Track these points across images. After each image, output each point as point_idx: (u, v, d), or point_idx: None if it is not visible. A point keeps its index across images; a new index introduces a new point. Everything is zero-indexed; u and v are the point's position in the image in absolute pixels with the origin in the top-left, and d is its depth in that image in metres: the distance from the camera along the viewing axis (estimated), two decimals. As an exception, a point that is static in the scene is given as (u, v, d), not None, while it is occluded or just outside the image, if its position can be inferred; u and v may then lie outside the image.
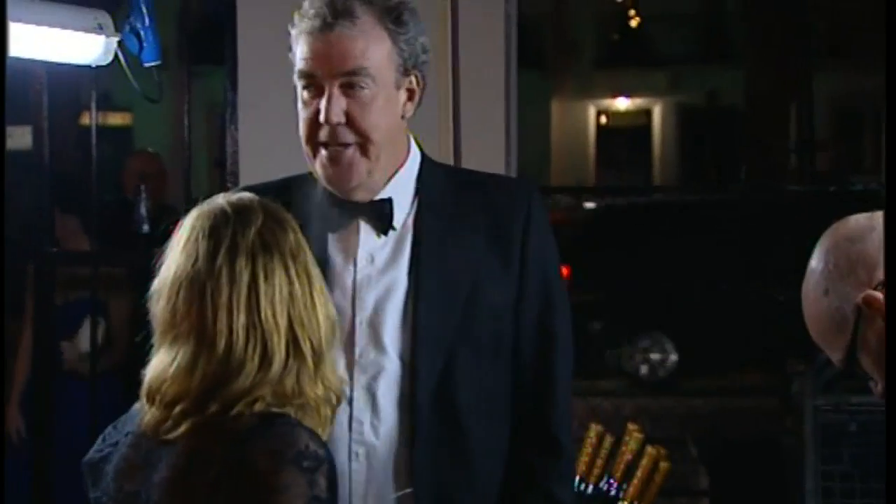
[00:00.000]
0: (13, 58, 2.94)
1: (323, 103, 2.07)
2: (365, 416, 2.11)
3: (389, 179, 2.16)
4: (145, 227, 4.23)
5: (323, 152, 2.10)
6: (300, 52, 2.09)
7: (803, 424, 3.48)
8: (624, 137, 21.59)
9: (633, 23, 20.79)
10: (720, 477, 5.56)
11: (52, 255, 3.75)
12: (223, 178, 3.75)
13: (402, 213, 2.17)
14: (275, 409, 1.70)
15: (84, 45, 3.14)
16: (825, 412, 3.52)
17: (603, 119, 22.14)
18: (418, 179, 2.20)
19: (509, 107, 3.73)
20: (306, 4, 2.10)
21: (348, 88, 2.07)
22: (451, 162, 3.25)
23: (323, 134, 2.09)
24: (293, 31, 2.11)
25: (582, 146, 21.64)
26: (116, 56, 3.22)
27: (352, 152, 2.08)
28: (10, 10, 2.86)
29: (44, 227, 3.75)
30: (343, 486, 2.08)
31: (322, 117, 2.07)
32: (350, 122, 2.07)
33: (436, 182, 2.21)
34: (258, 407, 1.70)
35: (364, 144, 2.09)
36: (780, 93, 13.96)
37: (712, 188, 17.11)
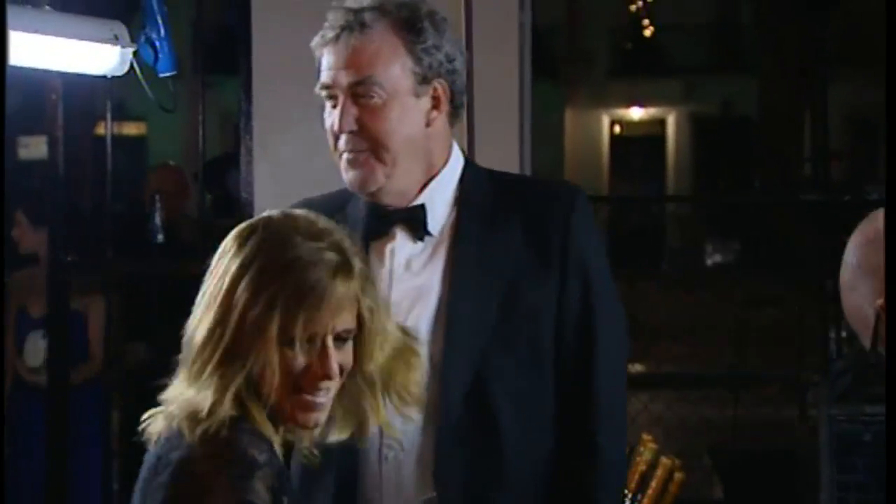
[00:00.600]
0: (29, 68, 2.96)
1: (336, 113, 2.11)
2: (396, 419, 2.07)
3: (425, 186, 2.17)
4: (160, 237, 4.24)
5: (344, 157, 2.13)
6: (322, 64, 2.14)
7: (818, 434, 3.47)
8: (638, 147, 21.59)
9: (647, 32, 20.79)
10: (734, 487, 5.54)
11: (66, 263, 3.76)
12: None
13: (440, 218, 2.17)
14: (231, 413, 1.68)
15: (100, 56, 3.16)
16: (840, 422, 3.50)
17: (617, 128, 22.14)
18: (460, 185, 2.20)
19: (523, 116, 3.73)
20: (328, 18, 2.14)
21: (359, 97, 2.10)
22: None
23: (341, 143, 2.12)
24: (315, 47, 2.15)
25: (596, 155, 21.63)
26: (132, 66, 3.24)
27: (366, 157, 2.11)
28: (27, 21, 2.88)
29: (57, 236, 3.76)
30: (374, 489, 2.10)
31: (336, 126, 2.11)
32: (362, 129, 2.10)
33: (478, 187, 2.21)
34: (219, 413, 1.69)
35: (377, 151, 2.11)
36: (795, 102, 13.95)
37: (726, 197, 17.10)
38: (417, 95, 2.13)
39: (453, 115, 2.20)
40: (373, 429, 2.04)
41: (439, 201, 2.18)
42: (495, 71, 3.53)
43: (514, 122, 3.67)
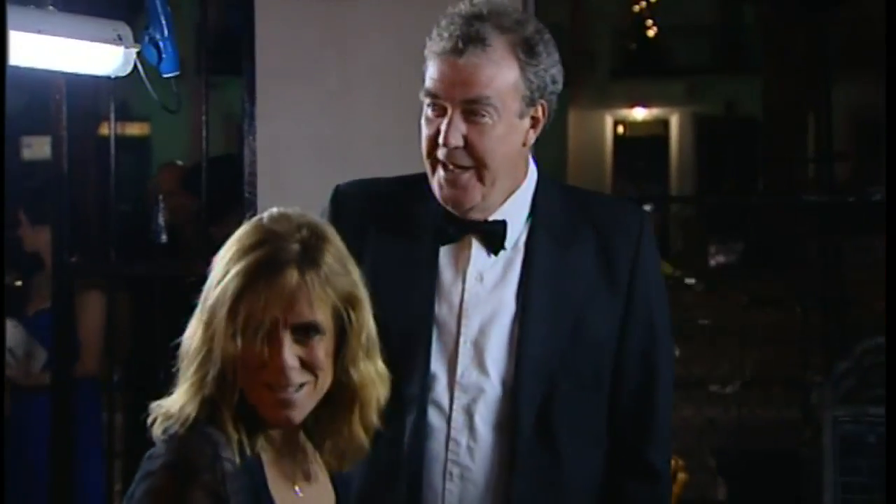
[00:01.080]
0: (33, 69, 2.96)
1: (444, 125, 2.06)
2: (462, 436, 2.10)
3: (507, 199, 2.15)
4: (163, 238, 4.24)
5: (441, 172, 2.10)
6: (429, 71, 2.08)
7: (822, 436, 3.47)
8: (641, 147, 21.59)
9: (651, 33, 20.80)
10: (738, 488, 5.53)
11: (71, 264, 3.76)
12: (240, 187, 3.75)
13: (515, 233, 2.16)
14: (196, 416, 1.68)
15: (103, 56, 3.16)
16: (844, 423, 3.50)
17: (620, 129, 22.14)
18: (533, 199, 2.19)
19: (526, 117, 3.72)
20: (443, 23, 2.09)
21: (470, 115, 2.06)
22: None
23: (441, 154, 2.08)
24: (427, 50, 2.10)
25: (599, 156, 21.64)
26: (135, 67, 3.24)
27: (468, 176, 2.08)
28: (31, 21, 2.88)
29: (62, 237, 3.76)
30: None
31: (441, 139, 2.07)
32: (468, 146, 2.07)
33: (550, 203, 2.19)
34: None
35: (480, 170, 2.08)
36: (798, 103, 13.95)
37: (729, 198, 17.08)
38: (521, 116, 2.11)
39: (539, 135, 2.19)
40: (439, 442, 2.09)
41: (517, 216, 2.16)
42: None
43: (518, 123, 3.67)
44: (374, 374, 1.78)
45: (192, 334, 1.71)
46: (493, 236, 2.14)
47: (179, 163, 6.08)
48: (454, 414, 2.10)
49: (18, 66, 2.86)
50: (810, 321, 6.02)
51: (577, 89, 20.98)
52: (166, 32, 3.28)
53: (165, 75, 3.30)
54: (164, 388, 1.77)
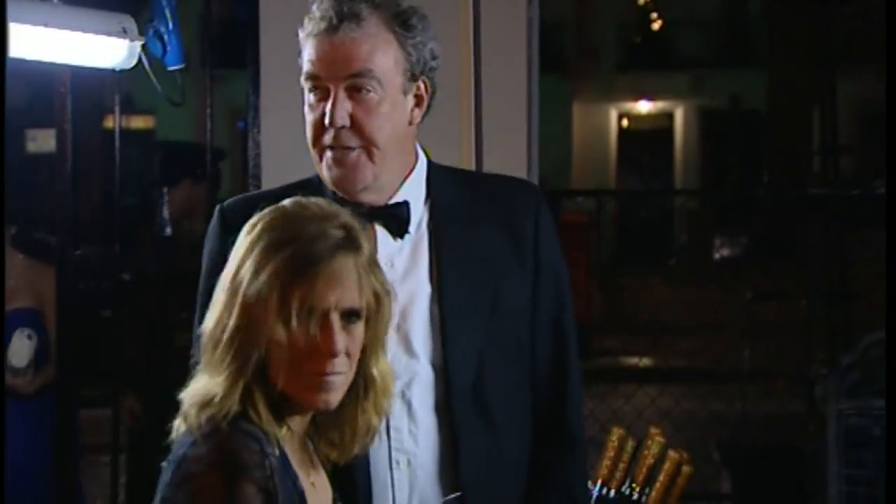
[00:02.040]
0: (38, 61, 2.96)
1: (328, 106, 2.06)
2: (402, 423, 2.10)
3: (402, 183, 2.15)
4: (167, 231, 4.24)
5: (328, 154, 2.08)
6: (306, 54, 2.09)
7: (826, 429, 3.47)
8: (645, 141, 21.57)
9: (655, 26, 20.76)
10: (743, 481, 5.53)
11: (75, 258, 3.76)
12: (245, 180, 3.76)
13: (416, 215, 2.16)
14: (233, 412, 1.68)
15: (108, 49, 3.16)
16: (849, 416, 3.50)
17: (624, 122, 22.11)
18: (428, 182, 2.19)
19: (531, 111, 3.72)
20: (314, 7, 2.09)
21: (354, 92, 2.05)
22: (472, 166, 3.25)
23: (328, 137, 2.07)
24: (301, 34, 2.10)
25: (603, 150, 21.62)
26: (140, 60, 3.24)
27: (356, 155, 2.07)
28: (36, 14, 2.88)
29: (66, 230, 3.76)
30: (386, 496, 2.08)
31: (327, 120, 2.06)
32: (354, 125, 2.06)
33: (445, 185, 2.20)
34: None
35: (369, 148, 2.07)
36: (803, 96, 13.92)
37: (734, 192, 17.07)
38: (405, 92, 2.10)
39: (424, 115, 2.18)
40: (380, 436, 2.03)
41: (414, 199, 2.16)
42: (503, 66, 3.52)
43: (522, 117, 3.67)
44: (388, 366, 1.82)
45: (222, 321, 1.70)
46: (397, 219, 2.13)
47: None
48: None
49: (23, 59, 2.86)
50: (815, 314, 6.01)
51: (582, 83, 20.97)
52: (171, 25, 3.29)
53: (170, 68, 3.30)
54: (174, 383, 1.77)
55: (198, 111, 4.25)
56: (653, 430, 3.01)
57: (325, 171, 2.10)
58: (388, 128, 2.08)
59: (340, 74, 2.04)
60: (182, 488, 1.61)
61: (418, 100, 2.13)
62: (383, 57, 2.05)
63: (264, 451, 1.65)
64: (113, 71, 3.29)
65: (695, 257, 16.68)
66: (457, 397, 2.10)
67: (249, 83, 3.60)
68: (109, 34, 3.13)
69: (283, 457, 1.70)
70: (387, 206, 2.13)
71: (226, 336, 1.69)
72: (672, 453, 2.94)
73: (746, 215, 15.82)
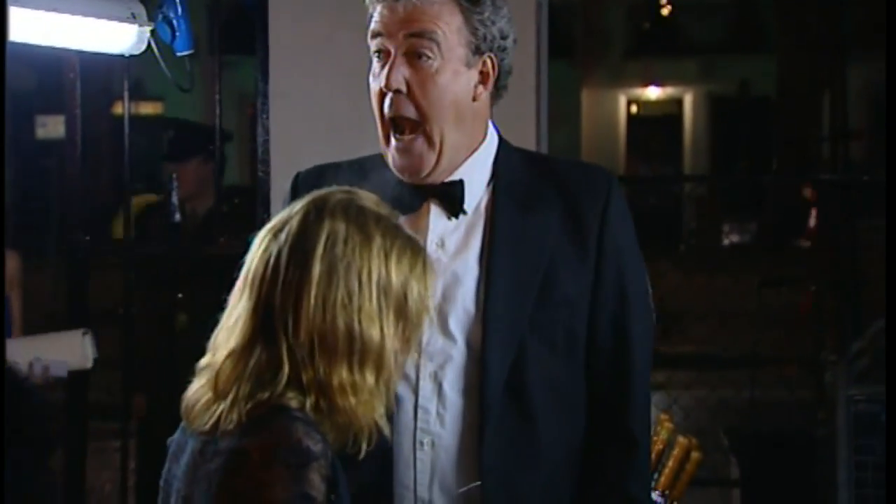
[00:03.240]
0: (47, 47, 2.97)
1: (385, 70, 2.05)
2: (431, 404, 2.07)
3: (464, 161, 2.13)
4: (177, 217, 4.24)
5: (394, 143, 2.08)
6: (373, 17, 2.08)
7: (836, 415, 3.47)
8: (654, 127, 21.54)
9: (665, 11, 20.72)
10: (751, 468, 5.53)
11: (84, 244, 3.77)
12: (254, 165, 3.76)
13: (476, 196, 2.13)
14: (285, 402, 1.66)
15: (117, 35, 3.16)
16: (858, 403, 3.50)
17: (633, 108, 22.08)
18: (495, 163, 2.16)
19: (540, 96, 3.72)
20: None
21: (413, 57, 2.04)
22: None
23: (386, 105, 2.06)
24: (367, 2, 2.09)
25: (612, 135, 21.59)
26: (149, 45, 3.24)
27: (420, 143, 2.06)
28: (44, -1, 2.88)
29: (75, 217, 3.77)
30: (408, 476, 2.07)
31: (382, 82, 2.05)
32: (410, 91, 2.05)
33: (512, 166, 2.16)
34: (274, 400, 1.67)
35: (425, 127, 2.06)
36: (813, 81, 13.87)
37: (743, 177, 17.03)
38: (468, 66, 2.07)
39: (496, 95, 2.16)
40: (407, 412, 2.06)
41: (476, 179, 2.13)
42: (512, 52, 3.51)
43: (531, 103, 3.66)
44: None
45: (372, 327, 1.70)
46: (451, 198, 2.11)
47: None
48: (421, 382, 2.07)
49: (32, 45, 2.86)
50: (824, 300, 6.00)
51: (591, 68, 20.93)
52: (180, 10, 3.28)
53: (179, 54, 3.30)
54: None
55: (206, 97, 4.24)
56: (662, 417, 3.01)
57: (390, 159, 2.10)
58: (446, 99, 2.06)
59: (402, 32, 2.03)
60: (243, 476, 1.59)
61: (483, 76, 2.10)
62: (446, 24, 2.04)
63: (325, 440, 1.64)
64: (122, 56, 3.29)
65: (704, 243, 16.67)
66: (489, 383, 2.06)
67: (258, 69, 3.60)
68: (119, 20, 3.13)
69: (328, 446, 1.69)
70: (442, 185, 2.11)
71: (371, 341, 1.71)
72: (681, 439, 2.94)
73: (756, 201, 15.80)
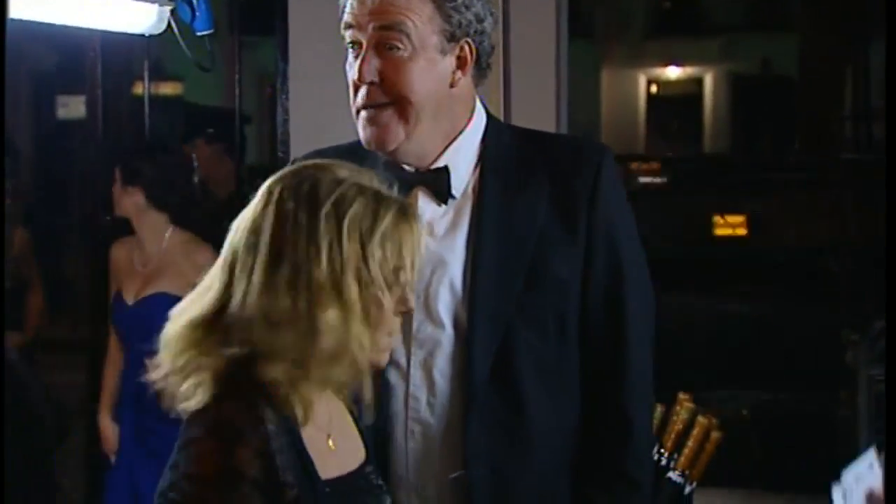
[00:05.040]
0: (68, 27, 2.97)
1: (357, 63, 2.05)
2: (421, 392, 2.07)
3: (448, 146, 2.11)
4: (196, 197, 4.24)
5: (362, 114, 2.07)
6: (346, 8, 2.08)
7: (858, 395, 3.45)
8: (675, 106, 21.42)
9: (685, -10, 20.56)
10: (773, 448, 5.52)
11: (105, 223, 3.78)
12: (274, 146, 3.76)
13: (463, 179, 2.12)
14: (231, 377, 1.68)
15: (137, 15, 3.16)
16: (880, 382, 3.48)
17: (653, 88, 21.96)
18: (483, 143, 2.14)
19: (559, 76, 3.71)
20: None
21: (383, 49, 2.03)
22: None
23: (360, 96, 2.06)
24: None
25: (632, 115, 21.49)
26: (169, 25, 3.24)
27: (389, 114, 2.05)
28: (65, -21, 2.88)
29: (97, 196, 3.78)
30: (401, 464, 2.07)
31: (355, 75, 2.05)
32: (384, 81, 2.04)
33: (500, 145, 2.14)
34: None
35: (401, 105, 2.05)
36: (836, 61, 13.77)
37: (765, 157, 16.93)
38: (443, 53, 2.06)
39: (479, 77, 2.15)
40: (398, 400, 2.06)
41: (462, 162, 2.12)
42: (532, 31, 3.50)
43: (551, 83, 3.65)
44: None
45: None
46: (438, 184, 2.10)
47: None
48: (412, 370, 2.06)
49: (53, 24, 2.86)
50: (846, 280, 5.98)
51: (610, 48, 20.82)
52: (199, -10, 3.28)
53: (199, 33, 3.30)
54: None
55: (226, 77, 4.25)
56: (681, 396, 3.00)
57: (360, 132, 2.09)
58: (421, 87, 2.04)
59: (370, 26, 2.02)
60: (183, 452, 1.64)
61: (461, 62, 2.09)
62: (415, 14, 2.02)
63: (259, 417, 1.65)
64: (142, 36, 3.29)
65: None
66: (475, 365, 2.04)
67: (278, 49, 3.59)
68: (139, -1, 3.13)
69: (287, 421, 1.69)
70: (428, 171, 2.10)
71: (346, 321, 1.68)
72: (701, 419, 2.93)
73: (778, 181, 15.71)
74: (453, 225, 2.11)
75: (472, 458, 2.05)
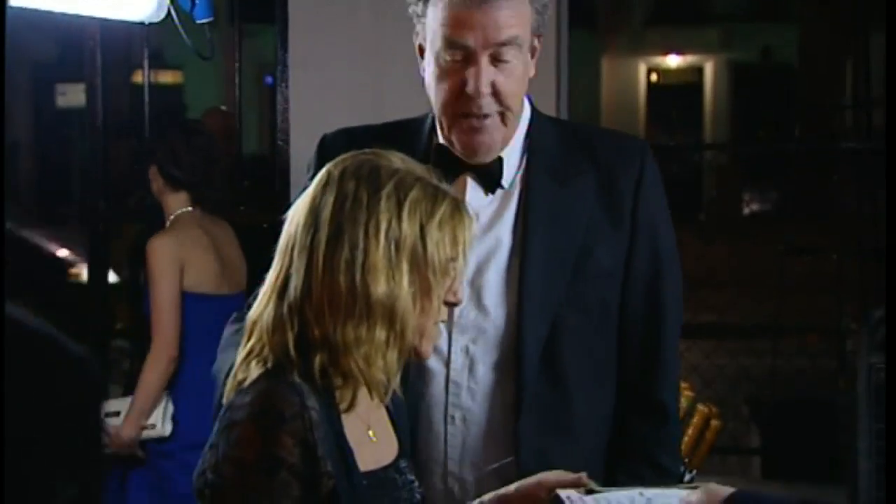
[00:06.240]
0: (68, 15, 2.96)
1: (472, 73, 2.01)
2: (462, 378, 2.07)
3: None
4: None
5: (464, 122, 2.04)
6: (444, 18, 2.00)
7: (857, 383, 3.45)
8: (675, 95, 21.41)
9: (685, -21, 20.53)
10: (772, 436, 5.53)
11: (104, 211, 3.78)
12: (273, 135, 3.76)
13: (511, 170, 2.12)
14: (279, 364, 1.68)
15: (137, 2, 3.15)
16: (879, 371, 3.48)
17: (654, 77, 21.94)
18: (528, 135, 2.15)
19: (560, 65, 3.71)
20: None
21: (497, 60, 2.01)
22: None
23: (466, 104, 2.03)
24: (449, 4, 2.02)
25: (632, 104, 21.48)
26: (169, 13, 3.23)
27: (494, 122, 2.05)
28: (64, -33, 2.87)
29: (96, 184, 3.78)
30: (438, 450, 2.07)
31: (471, 88, 2.01)
32: (496, 93, 2.03)
33: (546, 138, 2.15)
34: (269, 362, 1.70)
35: (504, 114, 2.05)
36: (836, 49, 13.77)
37: (764, 146, 16.93)
38: (531, 52, 2.08)
39: None
40: (439, 385, 2.06)
41: (512, 152, 2.13)
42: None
43: (551, 72, 3.65)
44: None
45: (398, 288, 1.68)
46: (489, 175, 2.10)
47: (223, 108, 6.06)
48: (453, 356, 2.07)
49: (53, 13, 2.86)
50: (846, 268, 5.98)
51: (611, 37, 20.80)
52: (199, -22, 3.28)
53: (199, 21, 3.30)
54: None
55: (226, 66, 4.24)
56: (682, 385, 3.01)
57: (456, 137, 2.06)
58: (522, 91, 2.07)
59: (488, 42, 1.99)
60: (224, 435, 1.63)
61: (533, 52, 2.10)
62: (522, 22, 2.02)
63: (304, 404, 1.64)
64: (142, 24, 3.28)
65: (725, 212, 16.61)
66: (526, 356, 2.05)
67: (278, 38, 3.59)
68: (138, -13, 3.12)
69: (330, 409, 1.69)
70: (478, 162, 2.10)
71: (402, 302, 1.68)
72: (701, 407, 2.94)
73: (777, 170, 15.72)
74: (498, 214, 2.11)
75: (524, 445, 2.06)
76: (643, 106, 21.74)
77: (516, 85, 2.04)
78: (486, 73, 2.01)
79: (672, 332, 2.16)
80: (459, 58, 2.01)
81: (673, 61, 21.91)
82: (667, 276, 2.15)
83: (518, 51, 2.02)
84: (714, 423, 2.96)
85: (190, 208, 3.63)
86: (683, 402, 2.97)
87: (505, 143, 2.09)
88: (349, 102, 3.56)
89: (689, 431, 2.94)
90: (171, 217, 3.64)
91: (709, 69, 21.85)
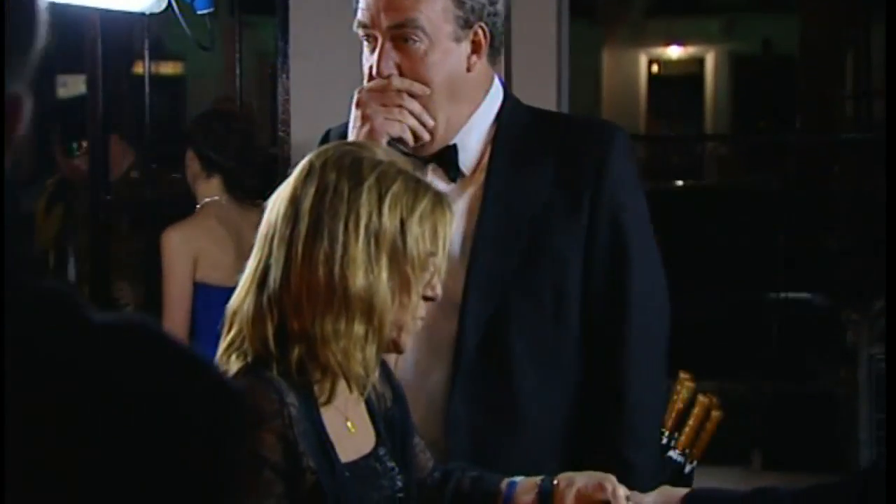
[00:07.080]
0: (68, 5, 2.96)
1: (375, 55, 2.05)
2: (411, 357, 2.07)
3: (462, 126, 2.13)
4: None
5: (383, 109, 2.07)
6: (359, 2, 2.07)
7: (858, 373, 3.46)
8: (676, 86, 21.36)
9: (687, -31, 20.49)
10: (773, 426, 5.53)
11: (105, 203, 3.78)
12: (274, 126, 3.76)
13: (473, 156, 2.13)
14: (257, 359, 1.68)
15: (137, -7, 3.15)
16: (880, 361, 3.48)
17: (654, 68, 21.90)
18: (496, 123, 2.16)
19: (560, 56, 3.70)
20: None
21: (400, 42, 2.04)
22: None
23: None
24: None
25: (633, 95, 21.43)
26: (169, 4, 3.23)
27: (413, 107, 2.06)
28: (64, -42, 2.87)
29: (97, 176, 3.78)
30: None
31: (374, 70, 2.05)
32: (403, 76, 2.05)
33: (514, 124, 2.16)
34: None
35: (421, 101, 2.05)
36: (837, 40, 13.74)
37: (766, 137, 16.90)
38: (458, 40, 2.07)
39: (493, 56, 2.16)
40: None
41: (474, 139, 2.14)
42: (533, 11, 3.50)
43: (552, 62, 3.65)
44: None
45: (373, 280, 1.67)
46: (447, 162, 2.12)
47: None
48: None
49: (53, 3, 2.86)
50: (847, 260, 5.98)
51: (611, 28, 20.77)
52: (199, -31, 3.27)
53: (199, 12, 3.30)
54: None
55: (227, 57, 4.24)
56: (682, 375, 3.01)
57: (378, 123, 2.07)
58: (438, 77, 2.06)
59: (386, 23, 2.03)
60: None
61: (475, 46, 2.09)
62: (428, 6, 2.03)
63: (283, 401, 1.64)
64: (142, 15, 3.28)
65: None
66: (466, 334, 2.05)
67: (278, 29, 3.59)
68: (138, -22, 3.12)
69: (309, 403, 1.69)
70: (438, 150, 2.12)
71: (379, 293, 1.68)
72: (701, 398, 2.94)
73: (778, 160, 15.70)
74: (461, 199, 2.12)
75: (453, 426, 2.06)
76: (644, 97, 21.69)
77: (427, 70, 2.04)
78: (389, 55, 2.03)
79: (641, 325, 2.11)
80: (371, 44, 2.05)
81: (674, 52, 21.87)
82: (635, 268, 2.11)
83: (423, 34, 2.02)
84: (715, 413, 2.96)
85: (217, 197, 3.66)
86: (684, 394, 2.97)
87: (451, 129, 2.09)
88: (350, 93, 3.56)
89: (690, 422, 2.94)
90: (198, 206, 3.67)
91: (710, 60, 21.80)
